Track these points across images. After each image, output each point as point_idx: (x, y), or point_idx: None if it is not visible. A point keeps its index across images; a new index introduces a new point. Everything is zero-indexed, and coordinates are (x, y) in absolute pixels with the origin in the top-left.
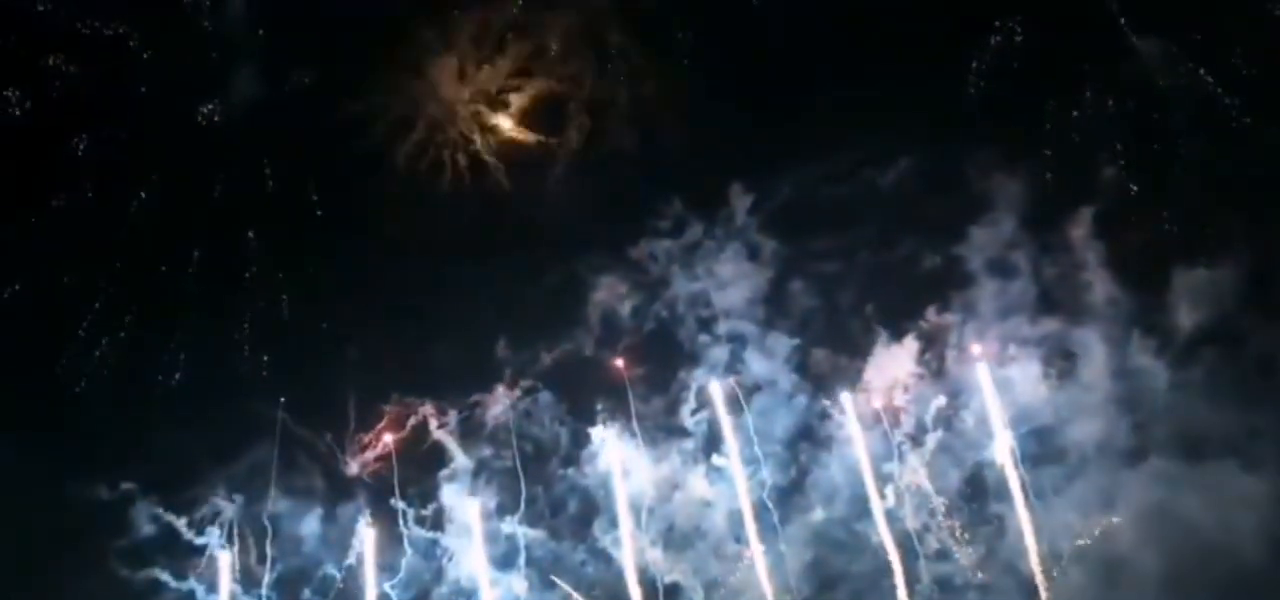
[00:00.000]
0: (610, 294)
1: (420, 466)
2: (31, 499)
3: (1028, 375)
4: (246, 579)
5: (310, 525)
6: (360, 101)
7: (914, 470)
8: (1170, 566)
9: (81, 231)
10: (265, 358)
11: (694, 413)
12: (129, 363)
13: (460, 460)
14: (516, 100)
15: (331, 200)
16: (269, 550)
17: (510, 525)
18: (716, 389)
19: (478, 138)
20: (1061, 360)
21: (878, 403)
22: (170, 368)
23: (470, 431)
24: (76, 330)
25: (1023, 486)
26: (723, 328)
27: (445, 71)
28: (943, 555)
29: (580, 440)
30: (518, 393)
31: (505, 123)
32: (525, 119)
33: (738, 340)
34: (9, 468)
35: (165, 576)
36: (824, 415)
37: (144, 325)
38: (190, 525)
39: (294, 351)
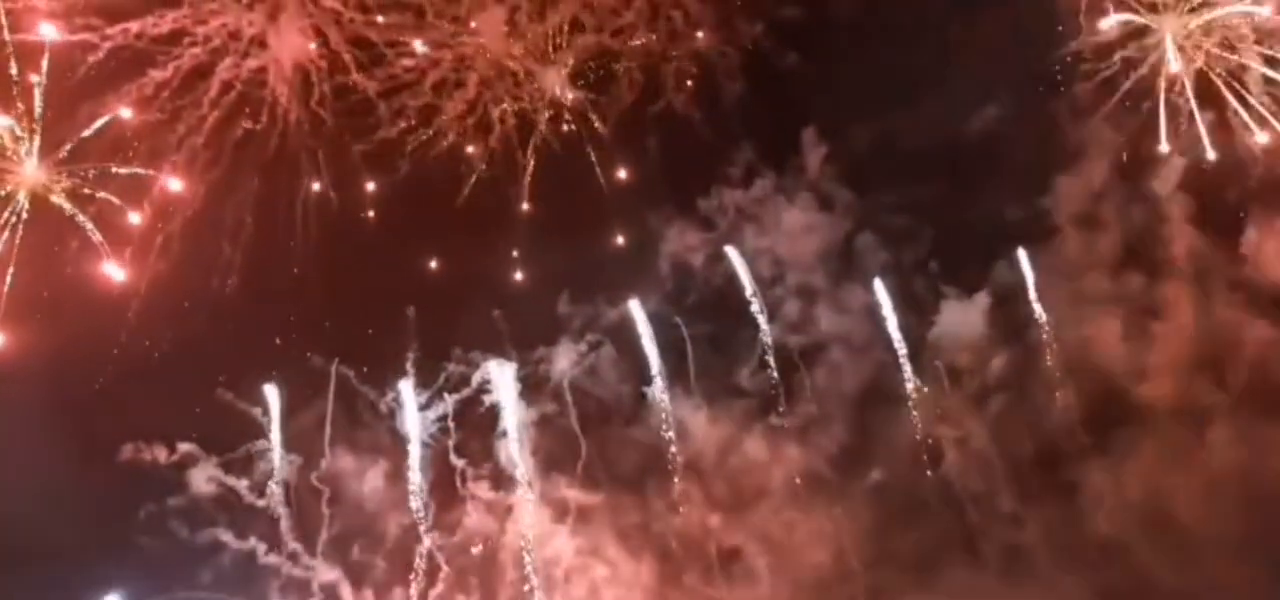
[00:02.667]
0: (676, 247)
1: (480, 424)
2: (91, 463)
3: (1107, 332)
4: (306, 537)
5: (372, 482)
6: (409, 58)
7: (981, 431)
8: (1251, 529)
9: None
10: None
11: (753, 373)
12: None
13: (520, 417)
14: (570, 56)
15: (382, 163)
16: (325, 510)
17: (565, 486)
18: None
19: (531, 94)
20: (1142, 316)
21: (945, 360)
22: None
23: (532, 387)
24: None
25: (1091, 450)
26: (792, 281)
27: (494, 27)
28: (1014, 521)
29: (640, 399)
30: (583, 348)
31: (559, 78)
32: (581, 74)
33: (807, 295)
34: (67, 432)
35: (227, 536)
36: (893, 373)
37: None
38: (250, 488)
39: (352, 309)
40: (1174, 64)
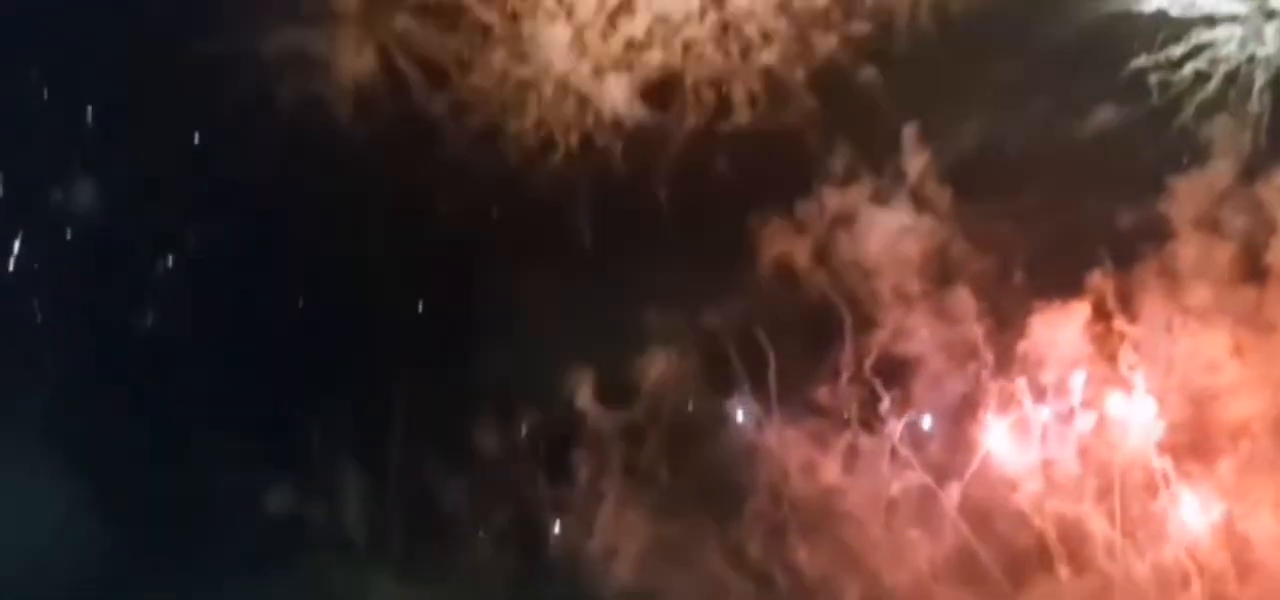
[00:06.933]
0: (766, 255)
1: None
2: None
3: (1214, 346)
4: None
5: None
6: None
7: (1071, 455)
8: None
9: None
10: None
11: (838, 390)
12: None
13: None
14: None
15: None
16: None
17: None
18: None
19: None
20: (1252, 331)
21: (1035, 377)
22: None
23: (616, 397)
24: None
25: (1167, 478)
26: (887, 291)
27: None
28: (1106, 548)
29: (720, 418)
30: (669, 357)
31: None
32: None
33: (903, 305)
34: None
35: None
36: (987, 388)
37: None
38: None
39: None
40: None
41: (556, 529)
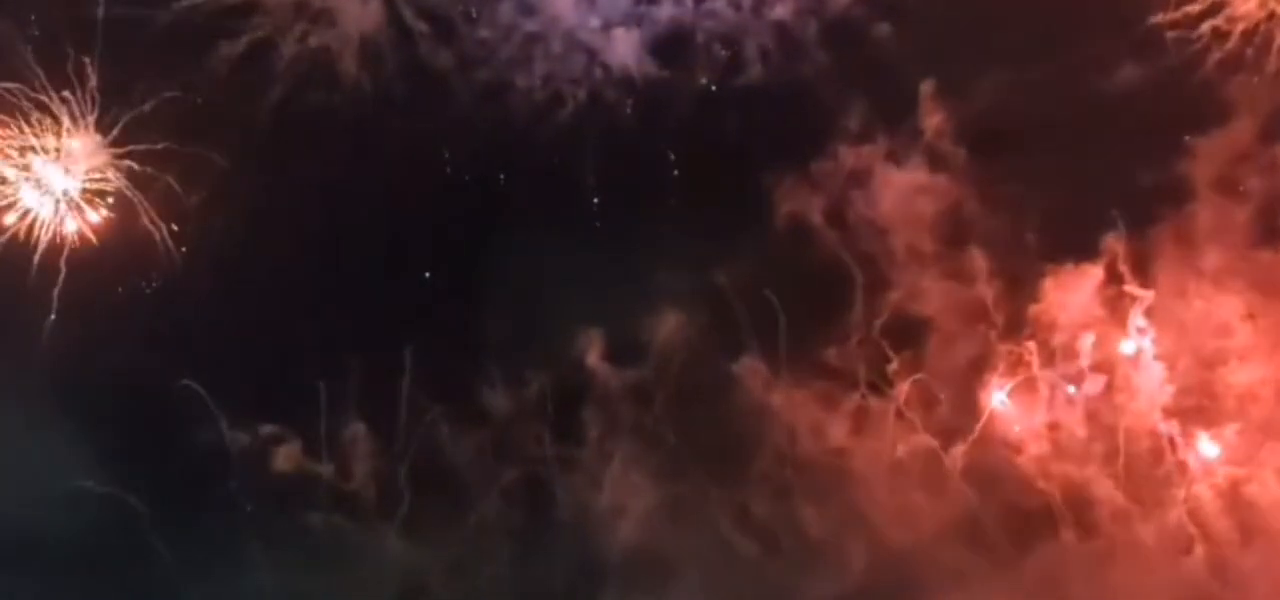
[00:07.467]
0: (779, 214)
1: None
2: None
3: (1227, 310)
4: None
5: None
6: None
7: (1077, 418)
8: None
9: None
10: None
11: (848, 351)
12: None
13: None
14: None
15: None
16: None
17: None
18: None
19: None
20: (1265, 296)
21: (1045, 339)
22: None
23: (624, 358)
24: None
25: (1174, 442)
26: (900, 251)
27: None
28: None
29: (728, 377)
30: (678, 318)
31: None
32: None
33: (913, 265)
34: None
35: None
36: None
37: None
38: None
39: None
40: None
41: (564, 488)
